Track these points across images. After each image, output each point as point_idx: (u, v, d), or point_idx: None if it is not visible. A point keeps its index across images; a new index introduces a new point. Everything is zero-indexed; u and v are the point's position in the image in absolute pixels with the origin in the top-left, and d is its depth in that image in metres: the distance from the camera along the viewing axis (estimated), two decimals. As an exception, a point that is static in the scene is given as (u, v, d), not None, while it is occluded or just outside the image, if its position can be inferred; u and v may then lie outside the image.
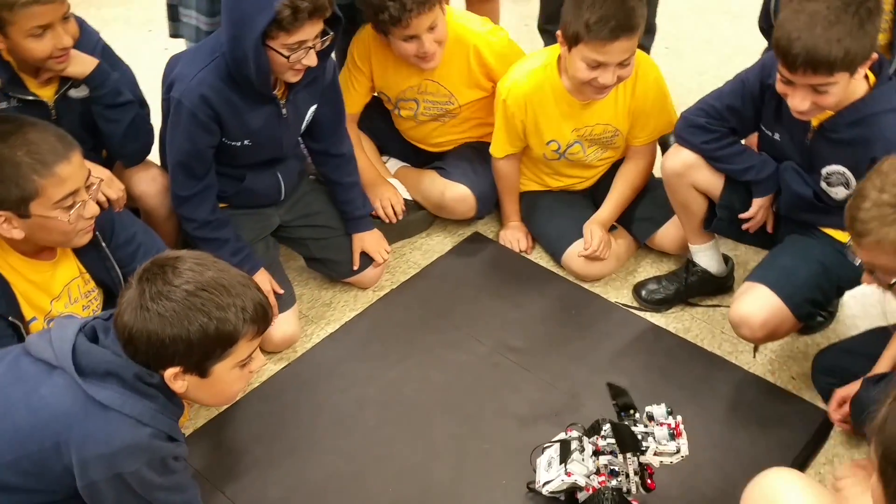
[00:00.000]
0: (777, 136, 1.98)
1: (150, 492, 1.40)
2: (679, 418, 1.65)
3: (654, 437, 1.61)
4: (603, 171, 2.46)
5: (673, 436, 1.61)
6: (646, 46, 2.71)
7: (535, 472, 1.78)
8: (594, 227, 2.33)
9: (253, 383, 2.08)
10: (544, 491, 1.74)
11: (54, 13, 1.80)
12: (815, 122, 1.87)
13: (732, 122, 2.02)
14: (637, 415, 1.66)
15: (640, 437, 1.61)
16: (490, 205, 2.54)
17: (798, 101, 1.76)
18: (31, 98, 1.89)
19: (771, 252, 2.07)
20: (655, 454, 1.61)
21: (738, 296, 1.99)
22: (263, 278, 2.13)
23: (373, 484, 1.86)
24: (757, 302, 1.93)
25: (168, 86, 1.96)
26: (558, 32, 2.12)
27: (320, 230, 2.30)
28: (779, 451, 1.86)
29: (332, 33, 1.92)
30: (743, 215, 2.08)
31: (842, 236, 1.88)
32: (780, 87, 1.80)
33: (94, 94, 1.94)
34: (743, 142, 2.11)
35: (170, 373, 1.38)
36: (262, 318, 1.42)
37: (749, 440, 1.91)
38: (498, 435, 1.94)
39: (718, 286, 2.28)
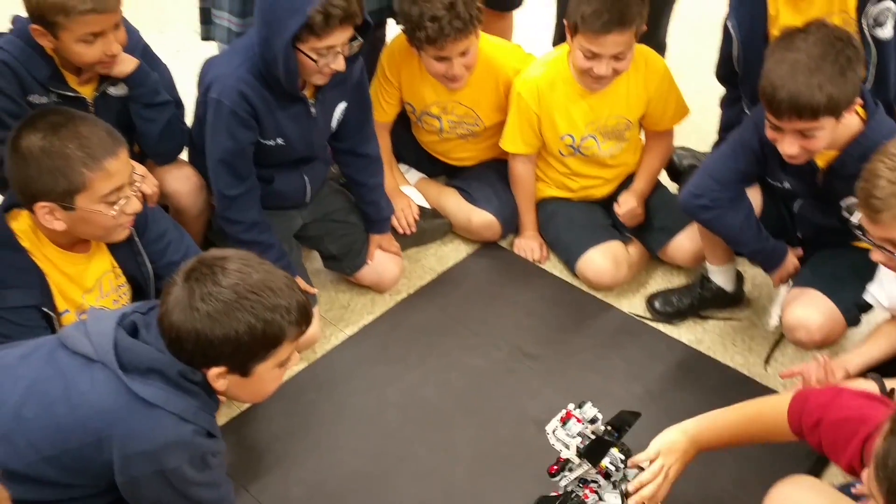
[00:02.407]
0: (787, 185, 2.05)
1: (187, 487, 1.43)
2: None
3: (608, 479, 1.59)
4: (621, 178, 2.52)
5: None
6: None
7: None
8: (629, 196, 2.41)
9: (274, 383, 2.11)
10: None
11: (108, 22, 1.82)
12: (821, 164, 1.94)
13: (737, 183, 2.07)
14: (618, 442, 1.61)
15: (609, 463, 1.58)
16: (512, 227, 2.59)
17: (787, 146, 1.84)
18: (71, 94, 1.91)
19: (809, 262, 2.12)
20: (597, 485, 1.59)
21: (790, 301, 2.05)
22: (299, 284, 2.15)
23: (394, 485, 1.88)
24: (812, 305, 1.99)
25: (205, 88, 1.98)
26: (565, 21, 2.20)
27: (335, 225, 2.33)
28: (794, 459, 1.89)
29: (360, 39, 1.96)
30: (774, 286, 2.21)
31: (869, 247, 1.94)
32: (769, 133, 1.88)
33: (134, 93, 1.96)
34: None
35: (214, 372, 1.40)
36: (304, 320, 1.45)
37: (763, 449, 1.94)
38: (518, 439, 1.98)
39: (731, 300, 2.34)
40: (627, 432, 1.63)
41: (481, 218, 2.53)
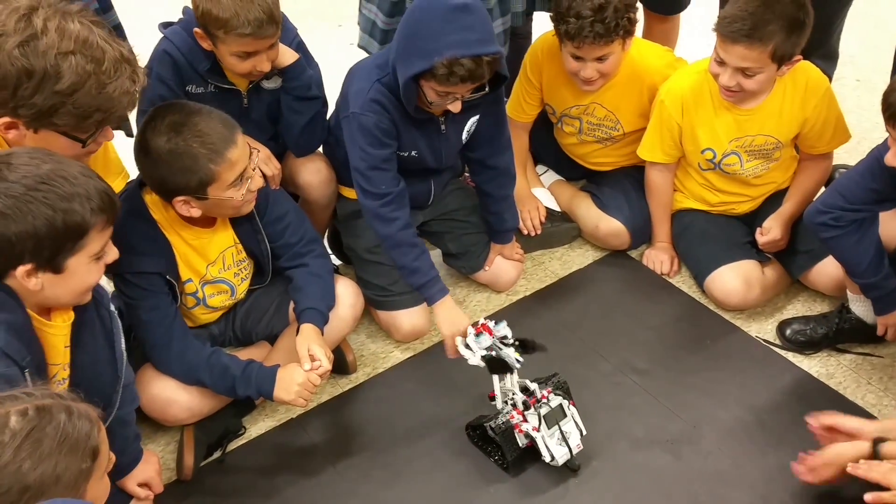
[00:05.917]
0: None
1: None
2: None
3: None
4: (767, 195, 2.36)
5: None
6: (826, 73, 2.57)
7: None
8: (774, 224, 2.26)
9: (378, 368, 2.17)
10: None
11: (263, 44, 1.90)
12: None
13: (868, 203, 1.90)
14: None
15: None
16: (644, 238, 2.50)
17: (891, 157, 1.66)
18: (227, 87, 2.03)
19: None
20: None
21: None
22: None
23: (478, 486, 1.88)
24: None
25: (346, 101, 2.02)
26: None
27: (456, 224, 2.35)
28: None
29: (485, 90, 1.94)
30: (878, 333, 2.04)
31: None
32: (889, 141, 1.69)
33: (287, 85, 2.05)
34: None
35: (21, 271, 1.38)
36: (109, 207, 1.43)
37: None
38: (607, 454, 1.91)
39: (871, 335, 2.12)
40: (532, 353, 1.86)
41: (609, 225, 2.47)
